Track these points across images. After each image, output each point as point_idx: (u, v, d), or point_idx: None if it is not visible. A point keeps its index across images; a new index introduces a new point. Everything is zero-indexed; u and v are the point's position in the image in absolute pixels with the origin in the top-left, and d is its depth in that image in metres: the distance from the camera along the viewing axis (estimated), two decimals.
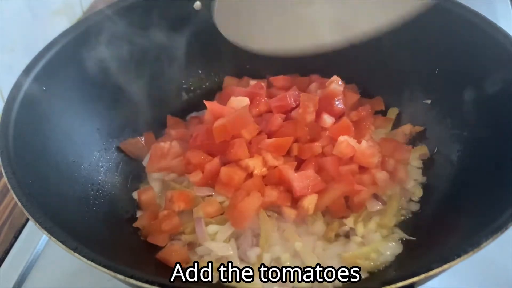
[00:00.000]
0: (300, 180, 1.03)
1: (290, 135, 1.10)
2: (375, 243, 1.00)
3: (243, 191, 1.04)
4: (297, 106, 1.15)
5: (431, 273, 0.71)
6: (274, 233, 1.02)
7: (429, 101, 1.20)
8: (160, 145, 1.17)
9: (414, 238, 1.01)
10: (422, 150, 1.17)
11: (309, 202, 1.01)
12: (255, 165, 1.06)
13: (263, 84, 1.24)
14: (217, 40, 1.34)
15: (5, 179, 0.86)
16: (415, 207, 1.08)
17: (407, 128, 1.21)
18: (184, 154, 1.14)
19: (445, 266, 0.71)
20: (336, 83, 1.16)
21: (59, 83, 1.10)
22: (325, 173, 1.06)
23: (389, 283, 0.70)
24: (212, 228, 1.03)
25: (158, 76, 1.31)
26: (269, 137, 1.10)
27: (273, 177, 1.06)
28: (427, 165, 1.15)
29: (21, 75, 1.04)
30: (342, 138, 1.07)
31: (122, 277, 0.73)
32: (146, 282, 0.72)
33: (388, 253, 0.99)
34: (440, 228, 0.97)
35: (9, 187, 0.85)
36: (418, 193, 1.10)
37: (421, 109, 1.20)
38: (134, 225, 1.07)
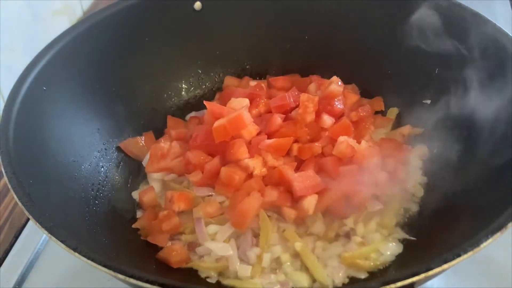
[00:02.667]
0: (300, 180, 1.02)
1: (290, 135, 1.10)
2: (375, 243, 1.00)
3: (243, 191, 1.04)
4: (297, 106, 1.15)
5: (431, 273, 0.71)
6: (274, 233, 1.02)
7: (429, 101, 1.19)
8: (160, 145, 1.17)
9: (414, 238, 1.01)
10: (422, 150, 1.17)
11: (309, 202, 1.01)
12: (255, 165, 1.06)
13: (263, 84, 1.23)
14: (217, 40, 1.36)
15: (5, 179, 0.86)
16: (415, 207, 1.08)
17: (406, 130, 1.20)
18: (184, 154, 1.14)
19: (445, 266, 0.71)
20: (336, 83, 1.16)
21: (59, 83, 1.10)
22: (325, 174, 1.06)
23: (389, 283, 0.70)
24: (212, 228, 1.03)
25: (158, 76, 1.31)
26: (269, 138, 1.09)
27: (273, 177, 1.06)
28: (427, 165, 1.15)
29: (21, 75, 1.04)
30: (342, 138, 1.07)
31: (122, 277, 0.73)
32: (146, 281, 0.72)
33: (388, 253, 0.99)
34: (440, 228, 0.97)
35: (9, 187, 0.85)
36: (418, 193, 1.10)
37: (421, 109, 1.20)
38: (134, 225, 1.07)
